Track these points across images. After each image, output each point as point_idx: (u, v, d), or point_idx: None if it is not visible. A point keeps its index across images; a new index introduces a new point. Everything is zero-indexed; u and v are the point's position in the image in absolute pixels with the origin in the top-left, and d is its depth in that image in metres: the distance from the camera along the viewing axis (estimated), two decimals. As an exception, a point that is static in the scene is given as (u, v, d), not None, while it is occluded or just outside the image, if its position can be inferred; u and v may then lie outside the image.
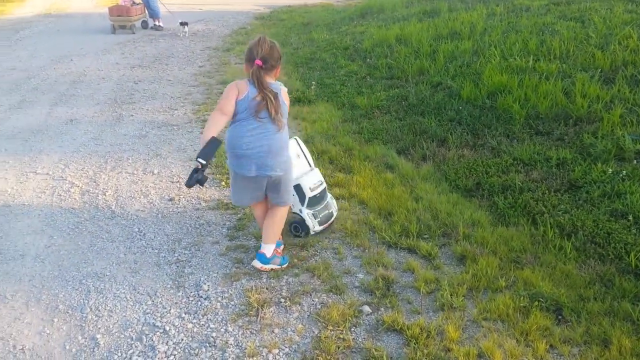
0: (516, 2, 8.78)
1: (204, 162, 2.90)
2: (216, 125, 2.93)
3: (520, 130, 4.81)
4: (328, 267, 3.26)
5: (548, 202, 3.77)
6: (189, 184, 2.94)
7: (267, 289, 3.08)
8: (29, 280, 3.16)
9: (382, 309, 2.89)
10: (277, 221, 3.25)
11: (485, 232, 3.51)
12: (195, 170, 2.91)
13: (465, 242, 3.44)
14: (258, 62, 2.90)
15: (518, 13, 8.15)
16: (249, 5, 16.03)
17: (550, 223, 3.52)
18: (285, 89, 3.13)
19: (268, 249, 3.22)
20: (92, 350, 2.61)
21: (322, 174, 4.46)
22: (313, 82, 6.91)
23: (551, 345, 2.61)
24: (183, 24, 11.19)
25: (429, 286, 3.05)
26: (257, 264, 3.22)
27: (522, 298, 2.90)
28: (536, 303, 2.85)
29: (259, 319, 2.83)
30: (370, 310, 2.88)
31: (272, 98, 2.93)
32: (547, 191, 3.90)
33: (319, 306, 2.93)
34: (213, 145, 2.91)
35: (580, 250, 3.31)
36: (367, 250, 3.45)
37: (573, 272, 3.12)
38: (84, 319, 2.84)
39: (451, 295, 2.95)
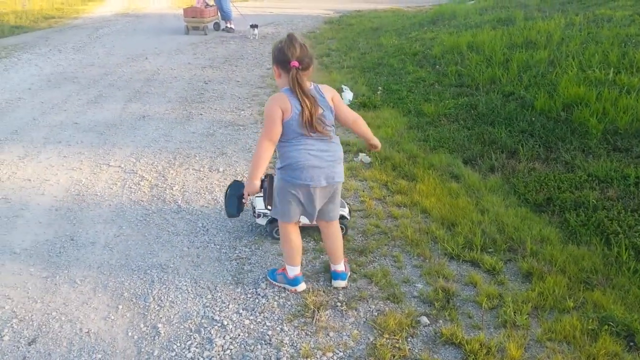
0: (597, 12, 8.39)
1: (270, 208, 2.94)
2: (267, 159, 2.72)
3: (596, 145, 4.57)
4: (386, 275, 3.21)
5: (624, 222, 3.55)
6: (229, 214, 2.98)
7: (323, 292, 3.06)
8: (98, 267, 3.29)
9: (441, 321, 2.81)
10: (340, 237, 3.12)
11: (555, 250, 3.35)
12: (238, 199, 2.90)
13: (532, 259, 3.30)
14: (295, 63, 2.62)
15: (599, 23, 7.78)
16: (319, 10, 16.18)
17: (625, 244, 3.32)
18: (328, 87, 2.87)
19: (344, 265, 3.15)
20: (152, 338, 2.69)
21: (384, 180, 4.45)
22: (379, 88, 6.87)
23: (621, 373, 2.46)
24: (253, 26, 11.44)
25: (492, 302, 2.94)
26: (340, 283, 3.11)
27: (590, 320, 2.74)
28: (606, 327, 2.69)
29: (314, 321, 2.82)
30: (429, 322, 2.81)
31: (315, 107, 2.68)
32: (623, 210, 3.68)
33: (376, 313, 2.88)
34: (271, 185, 2.84)
35: (657, 274, 3.10)
36: (427, 261, 3.37)
37: (649, 298, 2.92)
38: (147, 307, 2.92)
39: (514, 312, 2.83)
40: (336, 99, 2.84)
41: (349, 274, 3.18)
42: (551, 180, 4.18)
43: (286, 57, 2.63)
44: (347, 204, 3.75)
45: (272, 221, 3.48)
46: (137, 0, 20.00)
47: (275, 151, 2.81)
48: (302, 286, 3.08)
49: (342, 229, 3.41)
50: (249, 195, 2.81)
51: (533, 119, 5.23)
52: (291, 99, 2.67)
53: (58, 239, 3.60)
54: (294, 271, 3.07)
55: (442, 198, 4.08)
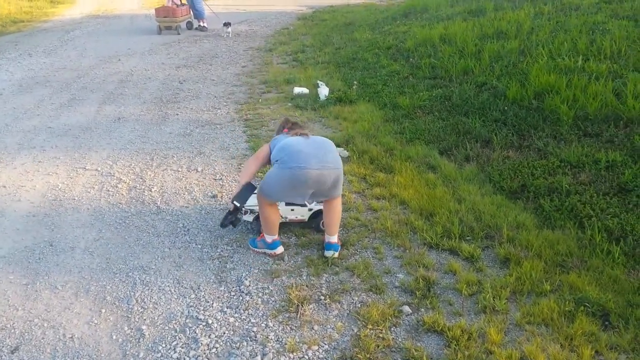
0: (565, 1, 8.55)
1: (238, 204, 3.31)
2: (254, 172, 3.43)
3: (568, 131, 4.68)
4: (368, 267, 3.26)
5: (596, 205, 3.65)
6: (224, 225, 3.40)
7: (307, 286, 3.10)
8: (79, 272, 3.27)
9: (423, 309, 2.87)
10: (339, 211, 3.42)
11: (530, 235, 3.44)
12: (230, 212, 3.35)
13: (509, 245, 3.38)
14: (286, 130, 3.54)
15: (567, 12, 7.92)
16: (292, 6, 16.15)
17: (598, 227, 3.42)
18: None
19: (337, 239, 3.42)
20: (137, 340, 2.69)
21: (362, 173, 4.49)
22: (355, 82, 6.91)
23: (597, 351, 2.54)
24: (226, 24, 11.38)
25: (471, 288, 3.01)
26: (331, 253, 3.35)
27: (567, 302, 2.83)
28: (582, 308, 2.78)
29: (299, 315, 2.85)
30: (411, 311, 2.86)
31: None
32: (595, 194, 3.79)
33: (359, 305, 2.93)
34: (248, 189, 3.36)
35: (629, 255, 3.20)
36: (407, 251, 3.42)
37: (621, 278, 3.02)
38: (130, 310, 2.92)
39: (494, 298, 2.90)
40: None
41: (339, 249, 3.41)
42: (525, 167, 4.26)
43: (281, 128, 3.60)
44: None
45: (258, 218, 3.52)
46: (108, 2, 19.70)
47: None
48: (280, 249, 3.42)
49: None
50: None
51: (506, 108, 5.32)
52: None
53: (37, 245, 3.57)
54: (272, 237, 3.40)
55: (420, 189, 4.14)
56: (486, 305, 2.85)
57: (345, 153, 4.87)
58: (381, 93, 6.52)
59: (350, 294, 3.03)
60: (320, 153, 3.23)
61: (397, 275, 3.19)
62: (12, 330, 2.77)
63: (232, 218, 3.37)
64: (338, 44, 9.77)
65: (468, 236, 3.53)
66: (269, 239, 3.40)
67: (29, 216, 3.96)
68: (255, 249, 3.46)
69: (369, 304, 2.90)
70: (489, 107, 5.43)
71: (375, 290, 3.04)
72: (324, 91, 6.55)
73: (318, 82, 6.89)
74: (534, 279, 3.04)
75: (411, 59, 7.65)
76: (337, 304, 2.95)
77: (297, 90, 6.85)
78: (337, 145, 4.97)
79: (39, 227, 3.80)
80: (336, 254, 3.36)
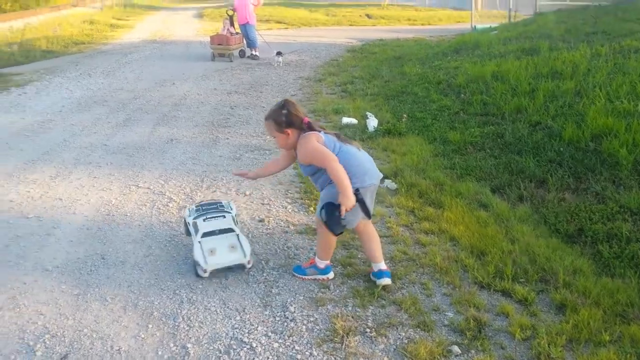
0: (623, 43, 8.38)
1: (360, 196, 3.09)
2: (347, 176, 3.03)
3: (627, 176, 4.52)
4: (416, 302, 3.18)
5: (659, 255, 3.48)
6: (338, 231, 3.15)
7: (352, 317, 3.04)
8: (128, 286, 3.32)
9: (473, 351, 2.77)
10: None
11: (588, 282, 3.29)
12: (333, 213, 3.03)
13: (566, 290, 3.24)
14: (306, 118, 3.14)
15: (625, 54, 7.76)
16: (341, 39, 16.40)
17: (661, 278, 3.25)
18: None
19: (384, 265, 3.36)
20: (182, 358, 2.68)
21: (411, 207, 4.43)
22: (404, 115, 6.90)
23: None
24: (278, 54, 11.63)
25: (525, 332, 2.89)
26: (386, 280, 3.30)
27: (628, 355, 2.67)
28: (645, 363, 2.62)
29: (343, 346, 2.79)
30: (460, 351, 2.76)
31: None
32: (658, 243, 3.61)
33: (406, 341, 2.85)
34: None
35: (696, 310, 3.02)
36: (457, 289, 3.33)
37: (689, 333, 2.84)
38: (176, 327, 2.93)
39: (549, 344, 2.77)
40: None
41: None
42: (582, 211, 4.12)
43: (299, 118, 3.11)
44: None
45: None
46: (164, 28, 20.51)
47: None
48: (332, 274, 3.41)
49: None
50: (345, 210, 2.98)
51: (561, 148, 5.19)
52: (313, 134, 3.12)
53: (89, 257, 3.65)
54: (324, 263, 3.37)
55: (471, 226, 4.05)
56: (540, 351, 2.73)
57: (394, 185, 4.83)
58: (431, 127, 6.48)
59: (397, 328, 2.95)
60: (374, 166, 3.28)
61: (446, 313, 3.10)
62: (62, 339, 2.81)
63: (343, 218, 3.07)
64: (387, 77, 9.82)
65: (522, 278, 3.41)
66: (321, 264, 3.38)
67: (83, 229, 4.07)
68: (304, 277, 3.42)
69: (417, 341, 2.82)
70: (543, 147, 5.31)
71: (424, 327, 2.95)
72: (372, 122, 6.56)
73: (367, 113, 6.91)
74: (592, 328, 2.89)
75: (462, 95, 7.60)
76: (384, 338, 2.87)
77: (346, 120, 6.89)
78: (386, 177, 4.98)
79: (91, 240, 3.89)
80: (390, 281, 3.32)
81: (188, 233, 3.63)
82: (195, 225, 3.48)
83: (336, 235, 3.21)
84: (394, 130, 6.39)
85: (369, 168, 3.20)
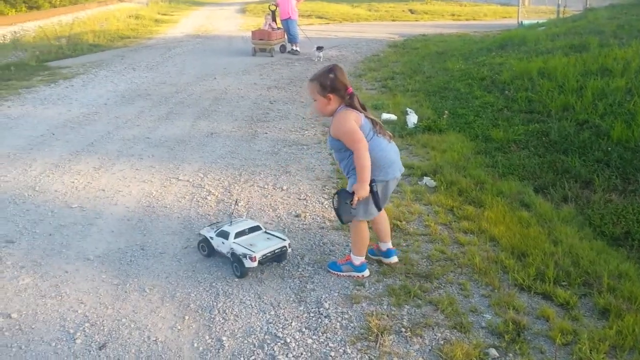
0: (679, 39, 8.00)
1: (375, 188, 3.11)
2: (370, 164, 3.01)
3: (680, 178, 4.31)
4: (453, 303, 3.11)
5: None
6: (347, 219, 3.15)
7: (387, 315, 3.00)
8: (166, 277, 3.37)
9: (511, 354, 2.69)
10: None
11: (634, 287, 3.15)
12: (345, 200, 3.06)
13: (610, 295, 3.11)
14: (350, 89, 3.09)
15: (681, 51, 7.40)
16: (383, 34, 16.25)
17: None
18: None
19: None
20: (217, 351, 2.71)
21: (450, 205, 4.35)
22: (445, 111, 6.77)
23: None
24: (319, 48, 11.61)
25: (565, 337, 2.79)
26: (395, 259, 3.48)
27: (676, 365, 2.55)
28: (695, 374, 2.49)
29: (378, 345, 2.76)
30: (498, 355, 2.69)
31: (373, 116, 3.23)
32: None
33: (442, 342, 2.79)
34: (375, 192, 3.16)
35: None
36: (496, 290, 3.24)
37: None
38: (212, 320, 2.96)
39: (590, 350, 2.66)
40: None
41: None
42: (629, 213, 3.96)
43: (343, 85, 3.06)
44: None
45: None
46: (208, 23, 20.79)
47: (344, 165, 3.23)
48: (367, 272, 3.39)
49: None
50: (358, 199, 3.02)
51: (609, 148, 4.99)
52: (353, 112, 3.09)
53: (129, 248, 3.72)
54: (360, 259, 3.35)
55: (512, 226, 3.94)
56: (582, 357, 2.63)
57: (432, 183, 4.75)
58: (473, 124, 6.34)
59: (433, 329, 2.89)
60: (399, 159, 3.33)
61: (484, 315, 3.02)
62: (101, 327, 2.88)
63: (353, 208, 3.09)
64: (429, 73, 9.68)
65: (564, 281, 3.29)
66: (357, 260, 3.35)
67: (124, 220, 4.16)
68: (339, 273, 3.40)
69: (453, 342, 2.76)
70: (590, 146, 5.12)
71: (460, 329, 2.89)
72: (412, 119, 6.47)
73: (407, 109, 6.82)
74: (637, 335, 2.77)
75: (506, 92, 7.41)
76: (419, 338, 2.82)
77: (385, 116, 6.82)
78: (424, 175, 4.90)
79: (132, 231, 3.98)
80: (397, 259, 3.49)
81: (209, 254, 3.58)
82: (222, 234, 3.45)
83: (343, 223, 3.30)
84: (435, 127, 6.28)
85: (394, 160, 3.23)
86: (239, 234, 3.44)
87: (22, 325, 2.88)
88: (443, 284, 3.32)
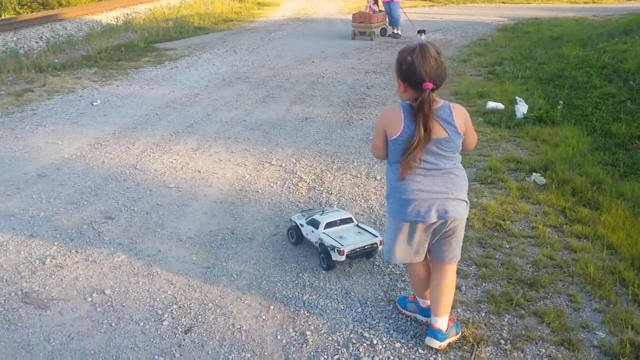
0: None
1: None
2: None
3: None
4: (561, 316, 2.79)
5: None
6: None
7: (485, 325, 2.75)
8: (254, 264, 3.32)
9: (629, 382, 2.35)
10: (450, 285, 2.58)
11: None
12: None
13: None
14: (428, 85, 2.23)
15: None
16: (492, 17, 15.39)
17: None
18: (459, 106, 2.41)
19: (443, 323, 2.57)
20: (300, 345, 2.61)
21: (562, 206, 3.94)
22: (560, 102, 6.20)
23: None
24: (421, 32, 11.17)
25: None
26: (433, 342, 2.56)
27: None
28: None
29: (473, 356, 2.52)
30: (613, 381, 2.36)
31: (429, 134, 2.27)
32: None
33: (546, 359, 2.50)
34: None
35: None
36: (612, 306, 2.87)
37: None
38: (297, 312, 2.86)
39: None
40: (469, 125, 2.40)
41: (453, 337, 2.62)
42: None
43: (418, 77, 2.23)
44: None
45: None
46: (309, 6, 20.85)
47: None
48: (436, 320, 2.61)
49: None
50: None
51: None
52: (406, 117, 2.30)
53: (220, 231, 3.72)
54: (426, 303, 2.74)
55: (634, 234, 3.49)
56: None
57: (542, 180, 4.34)
58: (590, 117, 5.76)
59: (537, 343, 2.61)
60: (433, 200, 2.50)
61: (597, 332, 2.68)
62: (188, 311, 2.87)
63: None
64: (541, 59, 8.98)
65: (697, 302, 2.85)
66: (422, 304, 2.76)
67: (217, 202, 4.18)
68: (405, 311, 2.85)
69: (559, 361, 2.46)
70: None
71: (568, 346, 2.58)
72: (522, 108, 5.99)
73: (516, 98, 6.33)
74: None
75: (631, 82, 6.66)
76: (520, 352, 2.55)
77: (491, 105, 6.38)
78: (533, 170, 4.49)
79: (224, 214, 3.98)
80: (438, 344, 2.56)
81: (297, 241, 3.49)
82: (313, 222, 3.34)
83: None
84: (547, 118, 5.77)
85: (412, 200, 2.40)
86: (329, 225, 3.32)
87: (113, 302, 2.95)
88: (550, 294, 2.99)
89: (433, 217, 2.36)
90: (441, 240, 2.48)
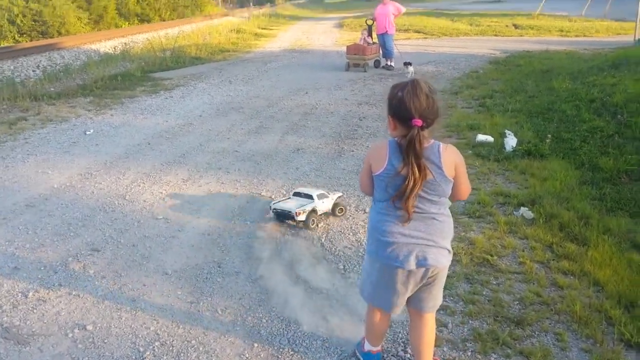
0: None
1: None
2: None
3: None
4: (547, 355, 2.76)
5: None
6: None
7: (471, 364, 2.71)
8: (239, 299, 3.29)
9: None
10: (432, 334, 2.52)
11: None
12: None
13: None
14: (417, 121, 2.14)
15: None
16: (484, 49, 15.61)
17: None
18: (451, 147, 2.29)
19: None
20: (282, 387, 2.56)
21: (549, 241, 3.94)
22: (548, 135, 6.26)
23: None
24: (406, 64, 11.27)
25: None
26: None
27: None
28: None
29: (458, 398, 2.49)
30: None
31: (423, 173, 2.17)
32: None
33: (533, 401, 2.47)
34: None
35: None
36: (599, 345, 2.84)
37: None
38: (281, 350, 2.82)
39: None
40: (460, 170, 2.27)
41: None
42: None
43: (407, 113, 2.15)
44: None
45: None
46: (305, 37, 21.15)
47: None
48: None
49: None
50: None
51: None
52: (391, 154, 2.22)
53: (206, 264, 3.70)
54: (369, 347, 2.69)
55: (620, 271, 3.48)
56: None
57: (530, 214, 4.35)
58: (579, 150, 5.80)
59: (523, 385, 2.58)
60: (413, 247, 2.39)
61: (584, 373, 2.65)
62: (171, 348, 2.84)
63: None
64: (532, 92, 9.09)
65: (684, 342, 2.83)
66: (366, 346, 2.71)
67: (204, 234, 4.16)
68: (356, 349, 2.81)
69: (546, 404, 2.43)
70: None
71: (555, 387, 2.55)
72: (511, 142, 6.04)
73: (506, 131, 6.39)
74: None
75: (619, 116, 6.73)
76: (505, 393, 2.52)
77: (481, 137, 6.43)
78: (521, 205, 4.50)
79: (211, 247, 3.96)
80: None
81: (278, 218, 4.36)
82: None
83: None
84: (535, 152, 5.81)
85: (390, 244, 2.30)
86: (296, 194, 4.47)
87: (95, 339, 2.91)
88: (537, 332, 2.97)
89: (411, 264, 2.24)
90: (422, 287, 2.37)
